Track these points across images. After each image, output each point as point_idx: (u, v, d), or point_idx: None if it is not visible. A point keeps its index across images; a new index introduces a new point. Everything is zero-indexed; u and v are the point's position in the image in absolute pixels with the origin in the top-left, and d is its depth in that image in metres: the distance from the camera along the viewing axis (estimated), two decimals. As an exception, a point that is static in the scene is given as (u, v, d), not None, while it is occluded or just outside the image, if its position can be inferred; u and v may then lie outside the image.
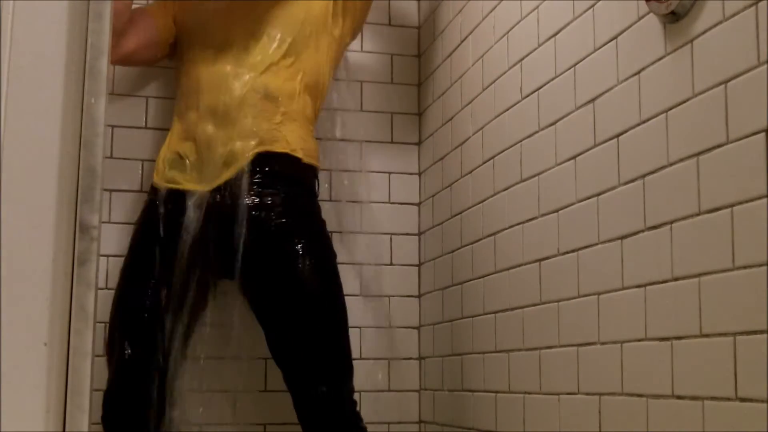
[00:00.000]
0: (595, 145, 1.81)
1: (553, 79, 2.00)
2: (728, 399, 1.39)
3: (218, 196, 2.29)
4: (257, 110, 2.33)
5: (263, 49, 2.39)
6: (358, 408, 2.32)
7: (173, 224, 2.31)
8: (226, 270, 2.34)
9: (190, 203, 2.30)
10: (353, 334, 2.42)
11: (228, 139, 2.31)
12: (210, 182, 2.31)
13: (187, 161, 2.35)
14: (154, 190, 2.40)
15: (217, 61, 2.38)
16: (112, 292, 2.50)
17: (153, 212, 2.36)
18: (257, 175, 2.30)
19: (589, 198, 1.83)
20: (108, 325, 2.33)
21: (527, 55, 2.14)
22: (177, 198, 2.33)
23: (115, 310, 2.33)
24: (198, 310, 2.42)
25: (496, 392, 2.25)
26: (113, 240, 2.62)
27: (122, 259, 2.62)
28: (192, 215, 2.29)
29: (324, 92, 2.50)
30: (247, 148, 2.30)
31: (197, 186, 2.31)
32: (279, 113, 2.35)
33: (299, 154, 2.35)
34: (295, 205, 2.31)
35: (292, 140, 2.35)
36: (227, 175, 2.29)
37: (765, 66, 1.35)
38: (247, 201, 2.28)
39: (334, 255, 2.35)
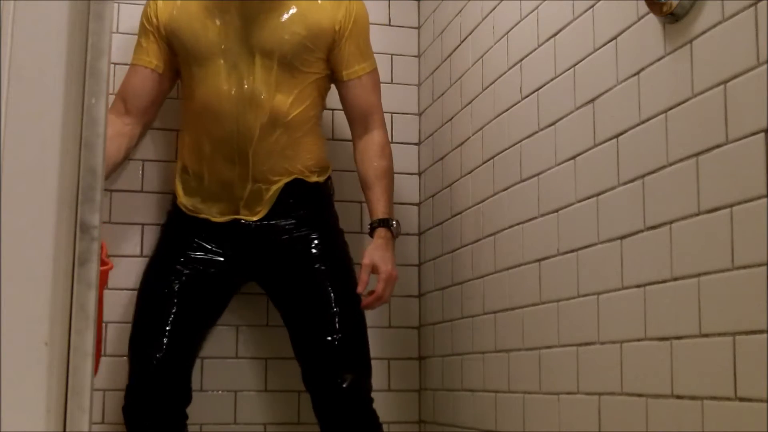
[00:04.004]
0: (595, 145, 1.81)
1: (552, 80, 2.01)
2: (728, 399, 1.39)
3: (243, 224, 2.42)
4: (269, 144, 2.39)
5: (267, 70, 2.39)
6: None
7: (196, 239, 2.43)
8: (251, 277, 2.51)
9: (215, 226, 2.43)
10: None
11: (245, 180, 2.40)
12: (233, 215, 2.42)
13: (208, 192, 2.44)
14: (175, 206, 2.49)
15: (223, 85, 2.38)
16: (111, 292, 2.51)
17: (175, 228, 2.48)
18: (281, 208, 2.42)
19: (588, 198, 1.83)
20: (132, 320, 2.43)
21: (527, 56, 2.14)
22: (201, 221, 2.43)
23: (139, 307, 2.43)
24: (218, 312, 2.53)
25: (496, 392, 2.25)
26: (114, 241, 2.61)
27: (122, 259, 2.62)
28: (217, 234, 2.43)
29: (328, 90, 2.56)
30: (267, 189, 2.41)
31: (220, 218, 2.43)
32: (291, 140, 2.42)
33: (314, 178, 2.46)
34: (314, 222, 2.44)
35: (305, 163, 2.44)
36: (251, 216, 2.42)
37: (765, 66, 1.35)
38: (275, 223, 2.42)
39: (350, 259, 2.48)
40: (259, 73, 2.37)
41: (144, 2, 2.73)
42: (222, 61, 2.38)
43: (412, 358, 2.83)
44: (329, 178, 2.52)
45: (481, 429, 2.33)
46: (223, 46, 2.39)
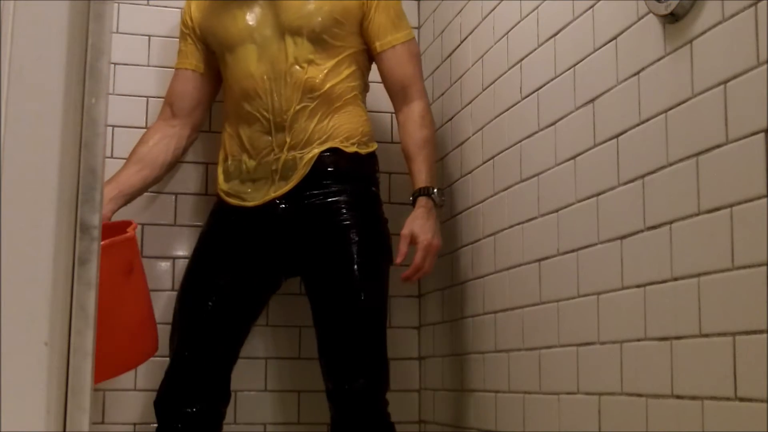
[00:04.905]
0: (595, 145, 1.81)
1: (552, 80, 2.01)
2: (728, 399, 1.39)
3: (278, 204, 2.39)
4: (306, 114, 2.39)
5: (299, 46, 2.40)
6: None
7: (236, 236, 2.43)
8: (290, 269, 2.47)
9: (252, 214, 2.40)
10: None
11: (281, 149, 2.38)
12: (269, 193, 2.39)
13: (245, 172, 2.43)
14: (218, 197, 2.50)
15: (254, 67, 2.41)
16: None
17: (217, 221, 2.48)
18: (316, 180, 2.38)
19: (588, 198, 1.83)
20: (172, 318, 2.45)
21: (527, 56, 2.14)
22: (239, 211, 2.42)
23: (179, 300, 2.45)
24: (255, 312, 2.53)
25: (496, 392, 2.25)
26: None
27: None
28: (255, 226, 2.40)
29: (368, 68, 2.54)
30: (301, 157, 2.38)
31: (257, 199, 2.40)
32: (328, 111, 2.40)
33: (353, 149, 2.41)
34: (353, 203, 2.38)
35: (344, 133, 2.41)
36: (286, 186, 2.38)
37: (764, 66, 1.35)
38: (310, 203, 2.37)
39: (386, 252, 2.41)
40: (291, 49, 2.40)
41: (140, 2, 2.75)
42: (253, 45, 2.42)
43: (412, 358, 2.83)
44: (373, 155, 2.47)
45: (481, 429, 2.33)
46: (253, 32, 2.43)
